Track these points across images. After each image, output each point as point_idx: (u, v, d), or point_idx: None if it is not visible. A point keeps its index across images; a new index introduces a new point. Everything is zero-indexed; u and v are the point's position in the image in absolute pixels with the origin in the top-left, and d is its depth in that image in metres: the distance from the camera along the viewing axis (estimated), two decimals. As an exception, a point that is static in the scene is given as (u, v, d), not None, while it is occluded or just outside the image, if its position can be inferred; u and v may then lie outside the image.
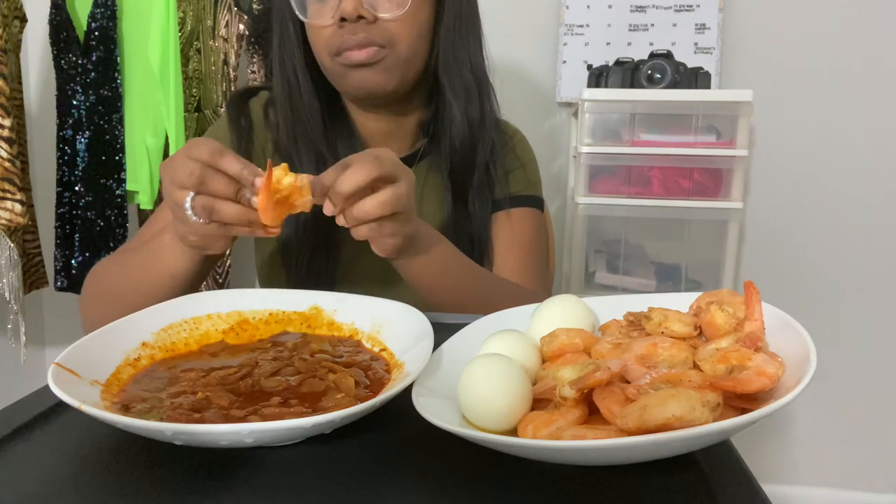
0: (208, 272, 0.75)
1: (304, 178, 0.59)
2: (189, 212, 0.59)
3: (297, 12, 0.82)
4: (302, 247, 0.87)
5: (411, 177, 0.65)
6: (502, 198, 0.94)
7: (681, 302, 0.54)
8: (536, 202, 0.98)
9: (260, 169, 0.59)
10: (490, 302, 0.70)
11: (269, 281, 0.96)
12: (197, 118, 1.60)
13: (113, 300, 0.75)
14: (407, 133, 0.93)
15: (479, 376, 0.45)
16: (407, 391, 0.45)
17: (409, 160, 0.92)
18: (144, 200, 1.53)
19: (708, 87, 1.40)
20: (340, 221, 0.62)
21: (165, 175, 0.61)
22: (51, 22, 1.51)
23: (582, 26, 1.65)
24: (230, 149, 0.87)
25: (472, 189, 0.90)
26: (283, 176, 0.58)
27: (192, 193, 0.59)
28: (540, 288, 0.96)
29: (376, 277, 0.89)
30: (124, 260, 0.77)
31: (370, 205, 0.60)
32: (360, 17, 0.78)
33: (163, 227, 0.71)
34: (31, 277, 1.59)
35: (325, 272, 0.86)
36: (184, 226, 0.61)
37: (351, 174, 0.59)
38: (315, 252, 0.87)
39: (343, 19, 0.78)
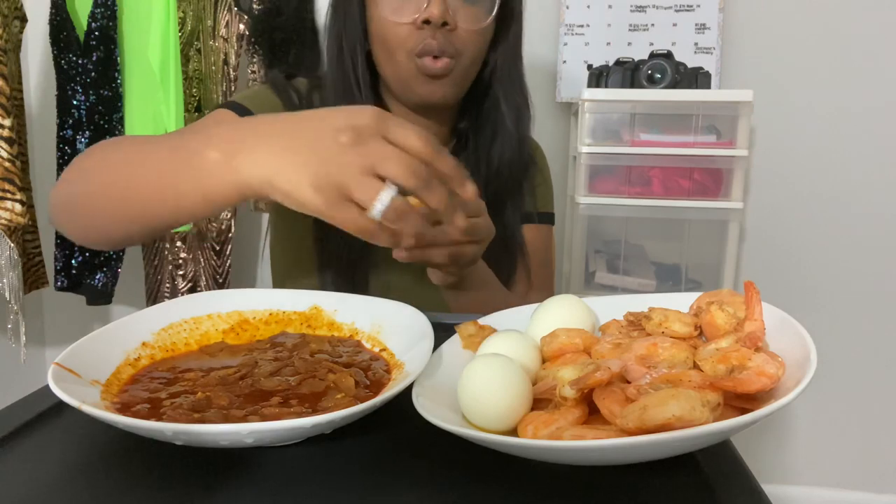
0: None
1: None
2: (378, 209, 0.48)
3: (376, 8, 0.81)
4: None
5: (491, 235, 0.69)
6: (531, 211, 0.96)
7: (681, 302, 0.54)
8: (553, 220, 1.02)
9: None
10: None
11: (286, 268, 0.95)
12: (197, 118, 1.60)
13: (111, 185, 0.62)
14: (441, 136, 0.94)
15: (479, 376, 0.45)
16: (407, 391, 0.45)
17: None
18: (144, 200, 1.53)
19: (708, 87, 1.40)
20: (400, 255, 0.62)
21: (352, 157, 0.48)
22: (51, 22, 1.51)
23: (582, 26, 1.65)
24: None
25: (508, 200, 0.92)
26: None
27: (394, 190, 0.48)
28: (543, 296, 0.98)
29: (408, 278, 0.88)
30: (151, 149, 0.61)
31: (436, 255, 0.64)
32: (444, 24, 0.78)
33: (209, 140, 0.55)
34: (31, 277, 1.59)
35: (359, 270, 0.86)
36: (336, 210, 0.49)
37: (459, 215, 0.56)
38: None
39: (426, 21, 0.78)
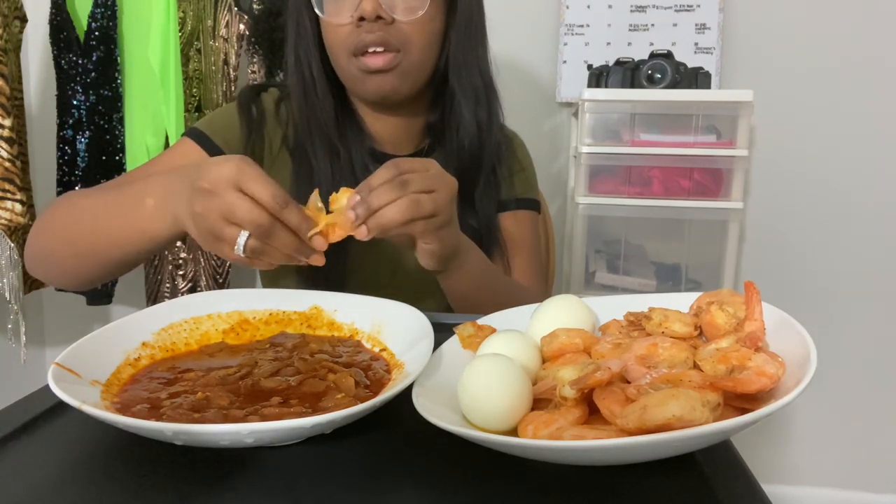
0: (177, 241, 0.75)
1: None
2: (240, 250, 0.56)
3: (315, 9, 0.83)
4: None
5: (451, 187, 0.67)
6: (508, 199, 0.96)
7: (681, 302, 0.54)
8: (535, 205, 1.01)
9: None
10: (507, 305, 0.71)
11: (272, 276, 0.96)
12: (197, 118, 1.60)
13: (73, 234, 0.74)
14: (413, 132, 0.95)
15: (480, 376, 0.45)
16: (407, 391, 0.45)
17: (415, 157, 0.94)
18: (144, 200, 1.53)
19: (708, 87, 1.40)
20: (362, 234, 0.61)
21: (214, 205, 0.56)
22: (51, 22, 1.51)
23: (582, 26, 1.65)
24: (239, 139, 0.89)
25: (479, 189, 0.92)
26: (343, 197, 0.61)
27: (244, 237, 0.56)
28: (540, 286, 0.98)
29: (385, 273, 0.89)
30: (102, 200, 0.74)
31: (392, 212, 0.61)
32: (379, 18, 0.79)
33: (146, 189, 0.67)
34: (31, 277, 1.59)
35: (335, 267, 0.87)
36: (220, 253, 0.59)
37: (376, 194, 0.60)
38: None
39: (361, 19, 0.79)
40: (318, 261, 0.59)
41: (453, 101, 0.90)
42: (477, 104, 0.90)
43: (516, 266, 0.94)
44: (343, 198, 0.61)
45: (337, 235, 0.61)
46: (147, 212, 0.66)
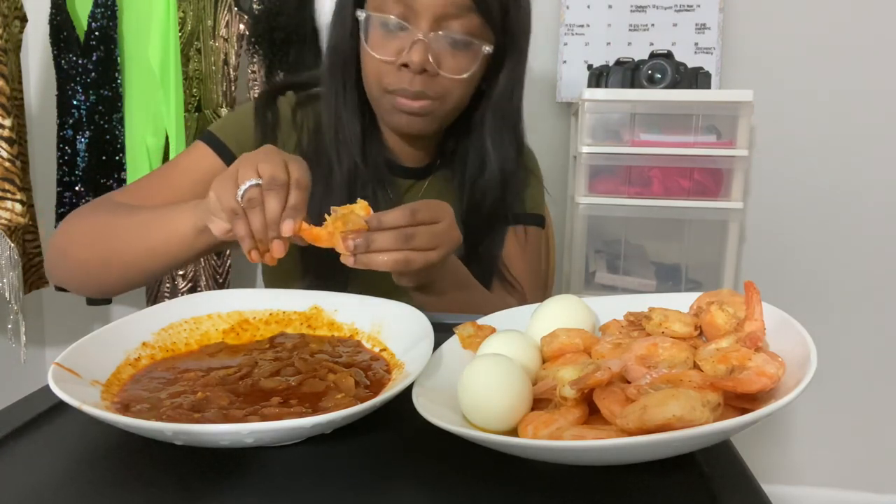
0: (205, 253, 0.75)
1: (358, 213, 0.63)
2: (241, 192, 0.60)
3: (362, 37, 0.82)
4: None
5: (452, 245, 0.69)
6: (516, 213, 0.95)
7: (681, 302, 0.54)
8: (540, 221, 1.01)
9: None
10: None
11: (274, 273, 0.96)
12: (197, 118, 1.60)
13: (103, 242, 0.77)
14: (430, 150, 0.95)
15: (480, 376, 0.45)
16: (407, 391, 0.45)
17: (426, 170, 0.95)
18: (144, 200, 1.53)
19: (708, 87, 1.40)
20: (349, 262, 0.62)
21: (256, 153, 0.63)
22: (51, 22, 1.51)
23: (582, 26, 1.65)
24: (253, 143, 0.89)
25: (490, 215, 0.92)
26: (360, 210, 0.62)
27: (253, 181, 0.60)
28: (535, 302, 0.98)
29: (386, 273, 0.89)
30: (136, 213, 0.77)
31: (382, 259, 0.63)
32: (424, 71, 0.78)
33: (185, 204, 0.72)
34: (31, 277, 1.59)
35: (335, 267, 0.87)
36: (222, 190, 0.62)
37: (380, 239, 0.62)
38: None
39: (405, 65, 0.78)
40: (278, 249, 0.62)
41: (483, 151, 0.90)
42: (505, 157, 0.90)
43: (520, 281, 0.94)
44: (357, 211, 0.62)
45: (325, 243, 0.61)
46: (177, 215, 0.70)
